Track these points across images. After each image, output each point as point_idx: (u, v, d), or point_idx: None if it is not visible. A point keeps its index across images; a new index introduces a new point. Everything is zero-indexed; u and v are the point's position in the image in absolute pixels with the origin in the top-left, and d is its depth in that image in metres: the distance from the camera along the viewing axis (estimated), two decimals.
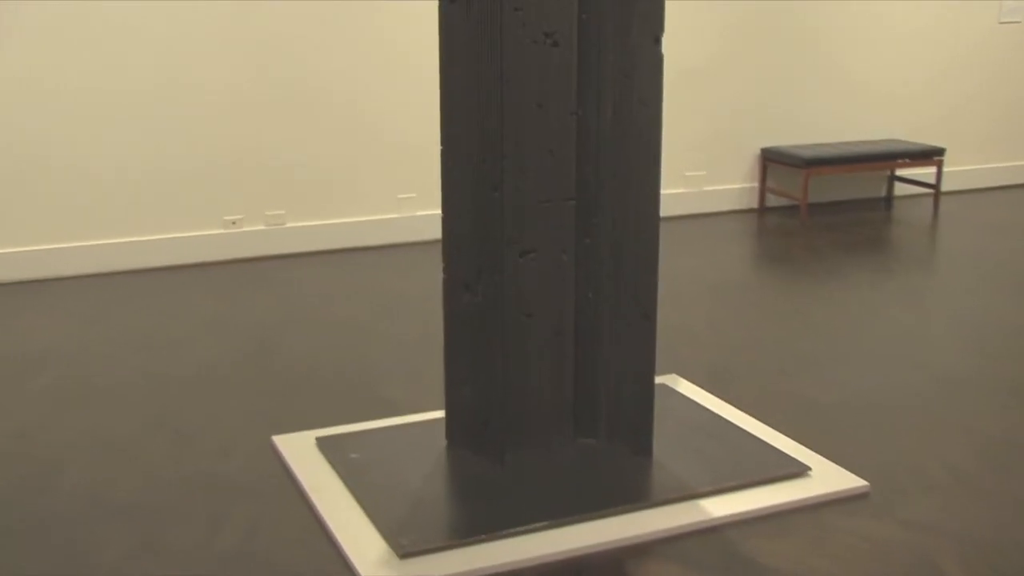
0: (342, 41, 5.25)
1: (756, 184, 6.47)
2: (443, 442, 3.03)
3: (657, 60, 2.81)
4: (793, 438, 3.11)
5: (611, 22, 2.74)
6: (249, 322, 4.24)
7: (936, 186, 6.63)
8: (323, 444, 3.02)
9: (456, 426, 3.02)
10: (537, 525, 2.54)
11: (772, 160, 6.35)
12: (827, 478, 2.82)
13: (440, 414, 3.26)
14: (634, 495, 2.69)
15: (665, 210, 6.24)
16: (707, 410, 3.29)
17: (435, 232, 5.62)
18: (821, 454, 2.99)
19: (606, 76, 2.80)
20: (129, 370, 3.70)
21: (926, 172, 6.91)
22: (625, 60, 2.79)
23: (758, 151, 6.45)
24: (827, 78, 6.53)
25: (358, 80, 5.33)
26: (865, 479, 2.83)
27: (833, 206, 6.61)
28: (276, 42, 5.12)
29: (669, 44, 5.99)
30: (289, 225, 5.33)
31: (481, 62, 2.69)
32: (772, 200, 6.53)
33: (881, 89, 6.72)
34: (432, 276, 4.90)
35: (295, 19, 5.13)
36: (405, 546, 2.43)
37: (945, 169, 6.99)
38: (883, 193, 6.89)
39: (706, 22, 6.12)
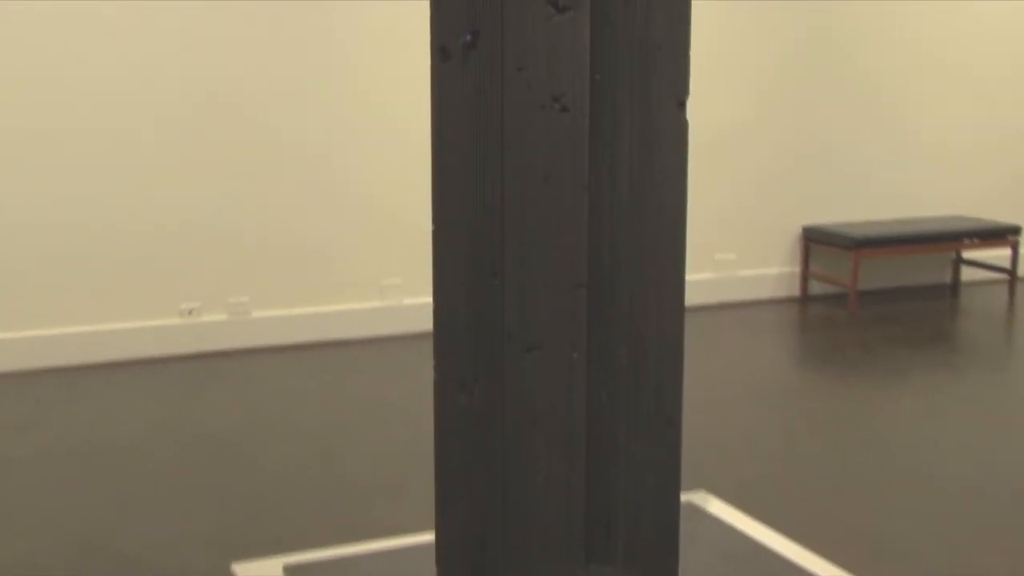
0: (318, 100, 5.35)
1: (797, 268, 6.51)
2: (433, 570, 3.00)
3: (681, 127, 2.86)
4: (842, 568, 3.08)
5: (628, 84, 2.80)
6: (207, 427, 4.24)
7: (1011, 271, 6.67)
8: (293, 573, 2.99)
9: (449, 551, 3.00)
10: None
11: (815, 240, 6.40)
12: None
13: (430, 537, 3.24)
14: None
15: (691, 299, 6.27)
16: (741, 534, 3.26)
17: (425, 324, 5.65)
18: None
19: (623, 145, 2.86)
20: (65, 483, 3.68)
21: (999, 254, 6.96)
22: (644, 127, 2.84)
23: (799, 230, 6.51)
24: (880, 143, 6.62)
25: (337, 146, 5.41)
26: None
27: (888, 294, 6.64)
28: (241, 99, 5.22)
29: (695, 107, 6.10)
30: (255, 314, 5.36)
31: (480, 129, 2.74)
32: (816, 287, 6.56)
33: (944, 155, 6.81)
34: (421, 375, 4.91)
35: (263, 73, 5.23)
36: None
37: (1022, 251, 7.04)
38: (947, 279, 6.93)
39: (737, 81, 6.23)
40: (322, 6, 5.27)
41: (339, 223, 5.45)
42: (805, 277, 6.49)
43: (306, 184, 5.37)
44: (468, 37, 2.60)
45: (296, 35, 5.25)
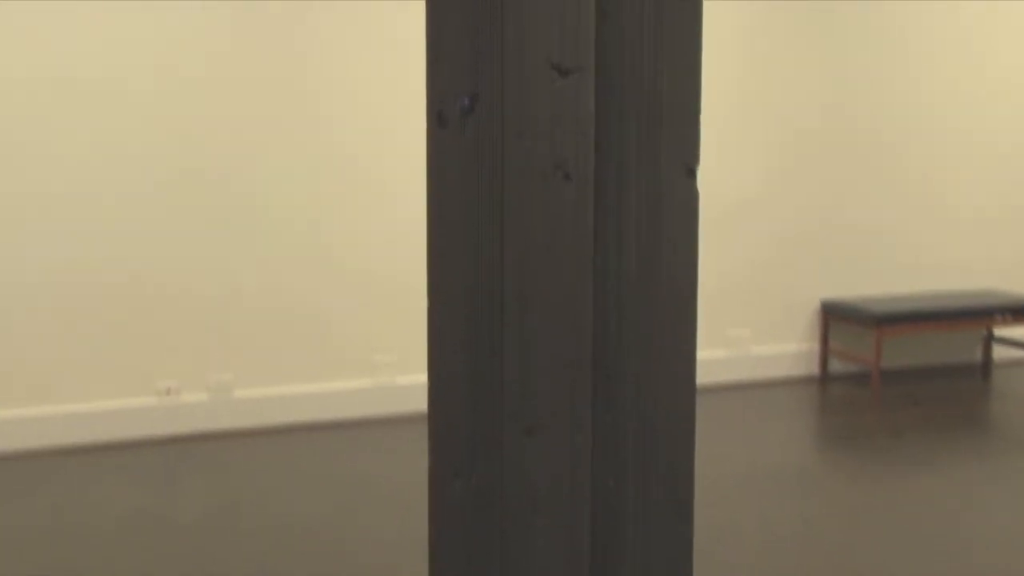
0: (306, 165, 5.39)
1: (816, 345, 6.51)
2: None
3: (691, 195, 2.88)
4: None
5: (635, 150, 2.83)
6: (185, 517, 4.21)
7: None
8: None
9: None
10: None
11: (835, 316, 6.41)
12: None
13: None
14: None
15: (703, 377, 6.27)
16: None
17: (419, 404, 5.64)
18: None
19: (629, 215, 2.87)
20: None
21: None
22: (653, 196, 2.86)
23: (818, 304, 6.52)
24: (903, 211, 6.65)
25: (326, 215, 5.45)
26: None
27: (914, 374, 6.62)
28: (225, 164, 5.26)
29: (706, 174, 6.15)
30: (237, 394, 5.34)
31: (478, 198, 2.76)
32: (836, 366, 6.55)
33: (973, 223, 6.84)
34: (415, 459, 4.88)
35: (248, 138, 5.28)
36: None
37: None
38: (978, 357, 6.92)
39: (750, 147, 6.29)
40: (314, 68, 5.34)
41: (329, 296, 5.47)
42: (824, 355, 6.49)
43: (294, 255, 5.40)
44: (466, 102, 2.63)
45: (286, 99, 5.31)
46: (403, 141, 5.51)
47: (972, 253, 6.87)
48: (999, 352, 6.97)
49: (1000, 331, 6.94)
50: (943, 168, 6.71)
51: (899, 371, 6.67)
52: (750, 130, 6.26)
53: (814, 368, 6.52)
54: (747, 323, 6.36)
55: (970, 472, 4.79)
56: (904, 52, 6.52)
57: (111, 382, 5.14)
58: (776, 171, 6.35)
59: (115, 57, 5.04)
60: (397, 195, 5.53)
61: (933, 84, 6.61)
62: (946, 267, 6.80)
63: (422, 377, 5.63)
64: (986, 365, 6.84)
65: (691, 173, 3.07)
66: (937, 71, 6.61)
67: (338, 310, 5.49)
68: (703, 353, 6.25)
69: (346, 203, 5.46)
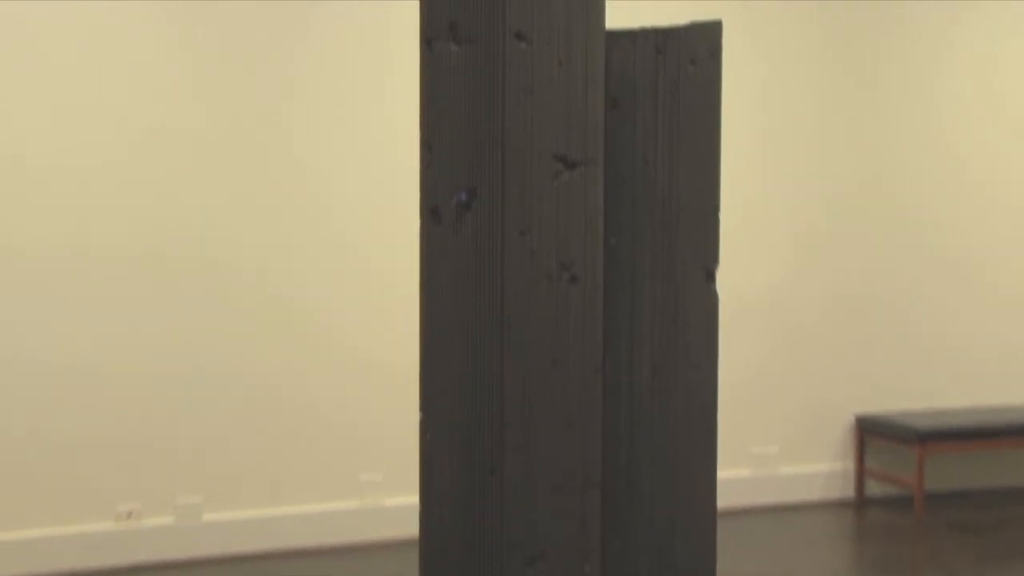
0: (293, 254, 5.42)
1: (851, 465, 6.48)
2: None
3: (710, 301, 2.90)
4: None
5: (649, 251, 2.85)
6: None
7: None
8: None
9: None
10: None
11: (872, 432, 6.39)
12: None
13: None
14: None
15: (724, 500, 6.22)
16: None
17: (410, 528, 5.59)
18: None
19: (643, 322, 2.89)
20: None
21: None
22: (668, 301, 2.88)
23: (851, 419, 6.50)
24: (947, 312, 6.65)
25: (306, 314, 5.46)
26: None
27: (961, 497, 6.58)
28: (197, 256, 5.29)
29: (725, 269, 6.17)
30: (207, 518, 5.31)
31: (476, 301, 2.78)
32: (874, 487, 6.51)
33: None
34: None
35: (226, 230, 5.32)
36: None
37: None
38: None
39: (773, 237, 6.32)
40: (302, 146, 5.40)
41: (309, 407, 5.46)
42: (861, 475, 6.45)
43: (269, 363, 5.40)
44: (463, 196, 2.65)
45: (269, 183, 5.36)
46: (394, 235, 5.54)
47: None
48: None
49: None
50: (995, 257, 6.73)
51: (945, 494, 6.62)
52: (770, 214, 6.31)
53: (849, 490, 6.48)
54: (773, 439, 6.34)
55: None
56: (944, 124, 6.59)
57: (64, 505, 5.10)
58: (800, 262, 6.38)
59: (95, 140, 5.10)
60: (388, 297, 5.54)
61: (981, 162, 6.66)
62: (998, 377, 6.79)
63: (413, 498, 5.59)
64: None
65: (710, 276, 3.09)
66: (985, 147, 6.67)
67: (320, 424, 5.47)
68: (725, 473, 6.21)
69: (331, 305, 5.48)
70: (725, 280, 6.18)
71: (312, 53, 5.43)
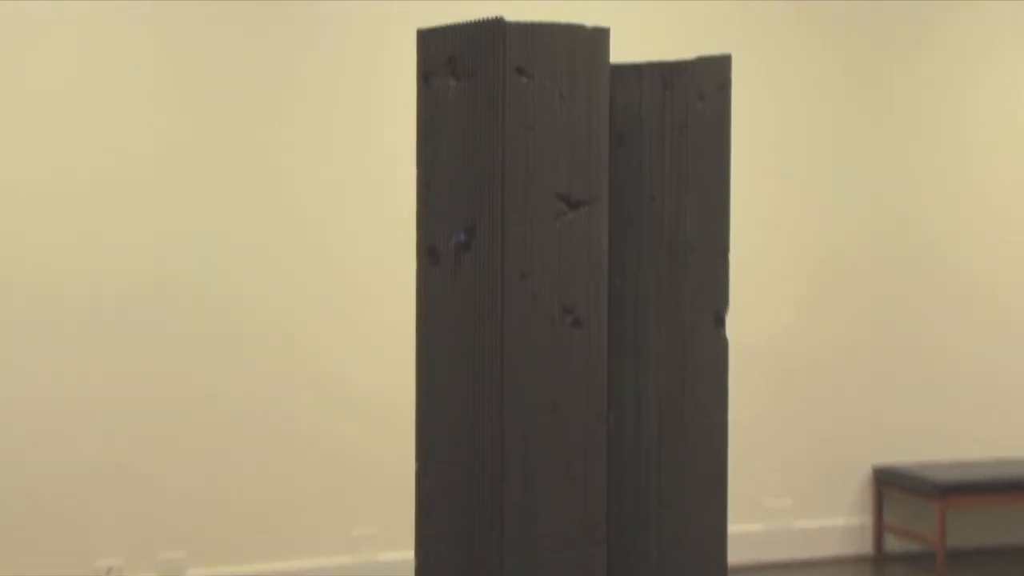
0: (285, 295, 5.42)
1: (868, 519, 6.46)
2: None
3: (720, 346, 2.91)
4: None
5: (656, 293, 2.86)
6: None
7: None
8: None
9: None
10: None
11: (891, 484, 6.37)
12: None
13: None
14: None
15: (736, 556, 6.18)
16: None
17: None
18: None
19: (649, 369, 2.89)
20: None
21: None
22: (676, 346, 2.88)
23: (869, 471, 6.48)
24: (971, 356, 6.61)
25: (298, 361, 5.46)
26: None
27: (985, 554, 6.54)
28: (180, 281, 5.29)
29: (732, 308, 6.17)
30: (191, 574, 5.29)
31: (474, 346, 2.78)
32: (893, 544, 6.49)
33: None
34: None
35: (214, 256, 5.32)
36: None
37: None
38: None
39: (784, 274, 6.31)
40: (297, 191, 5.41)
41: (299, 458, 5.44)
42: (879, 530, 6.43)
43: (260, 413, 5.39)
44: (461, 236, 2.66)
45: (257, 221, 5.37)
46: (380, 278, 5.53)
47: None
48: None
49: None
50: (1022, 299, 6.72)
51: (968, 551, 6.59)
52: (779, 249, 6.30)
53: (867, 546, 6.45)
54: (787, 492, 6.32)
55: None
56: (966, 158, 6.59)
57: (40, 561, 5.08)
58: (813, 301, 6.36)
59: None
60: (380, 342, 5.54)
61: (1011, 202, 6.66)
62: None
63: (408, 554, 5.57)
64: None
65: (720, 320, 3.09)
66: (1014, 189, 6.67)
67: (311, 475, 5.46)
68: (736, 527, 6.17)
69: (320, 353, 5.48)
70: (732, 319, 6.17)
71: (309, 83, 5.45)
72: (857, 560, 6.38)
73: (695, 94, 2.77)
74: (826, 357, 6.38)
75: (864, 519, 6.45)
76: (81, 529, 5.13)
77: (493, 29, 2.48)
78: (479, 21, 2.56)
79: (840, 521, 6.41)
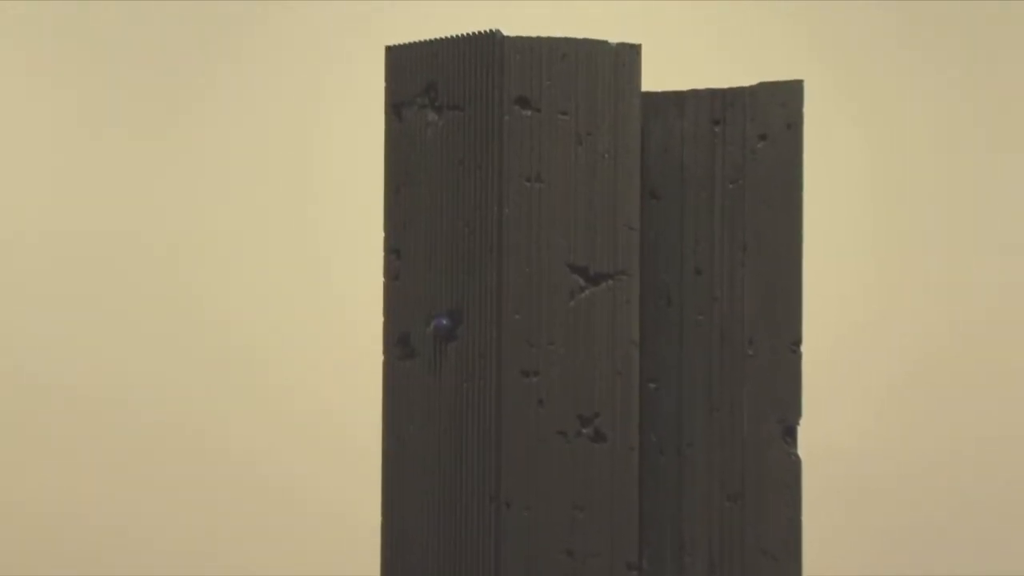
0: (233, 399, 5.43)
1: None
2: None
3: (791, 468, 2.86)
4: None
5: (704, 398, 2.82)
6: None
7: None
8: None
9: None
10: None
11: None
12: None
13: None
14: None
15: None
16: None
17: None
18: None
19: (696, 499, 2.85)
20: None
21: None
22: (731, 469, 2.84)
23: None
24: None
25: (266, 466, 5.46)
26: None
27: None
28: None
29: (808, 421, 6.14)
30: None
31: (460, 470, 2.74)
32: None
33: None
34: None
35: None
36: None
37: None
38: None
39: (860, 381, 6.30)
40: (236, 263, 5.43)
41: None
42: None
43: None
44: (443, 322, 2.63)
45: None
46: (353, 367, 5.55)
47: None
48: None
49: None
50: None
51: None
52: (866, 337, 6.28)
53: None
54: None
55: None
56: None
57: None
58: (896, 420, 6.35)
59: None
60: (353, 448, 5.54)
61: None
62: None
63: None
64: None
65: (790, 433, 3.05)
66: None
67: None
68: None
69: (288, 457, 5.48)
70: (806, 432, 6.14)
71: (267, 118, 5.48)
72: None
73: (755, 133, 2.74)
74: (915, 480, 6.36)
75: None
76: None
77: (487, 46, 2.45)
78: (468, 35, 2.54)
79: None
